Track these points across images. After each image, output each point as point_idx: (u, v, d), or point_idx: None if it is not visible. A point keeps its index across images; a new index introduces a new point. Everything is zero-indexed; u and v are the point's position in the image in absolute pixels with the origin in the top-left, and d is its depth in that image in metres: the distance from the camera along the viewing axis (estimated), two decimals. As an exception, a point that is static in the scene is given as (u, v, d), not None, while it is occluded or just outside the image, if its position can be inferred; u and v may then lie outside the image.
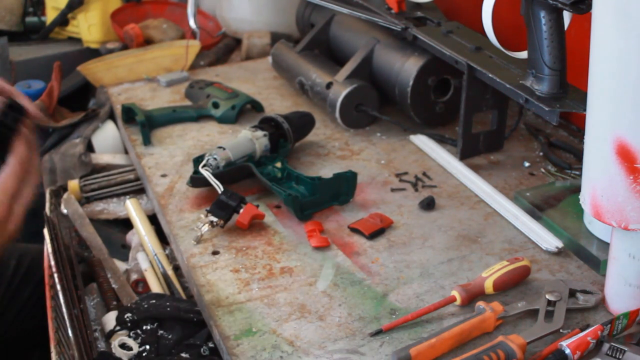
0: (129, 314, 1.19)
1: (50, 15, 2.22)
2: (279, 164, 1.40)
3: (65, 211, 1.49)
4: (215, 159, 1.36)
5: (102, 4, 2.13)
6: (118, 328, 1.19)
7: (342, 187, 1.32)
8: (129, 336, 1.17)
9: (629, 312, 1.01)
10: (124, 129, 1.63)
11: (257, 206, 1.28)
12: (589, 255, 1.17)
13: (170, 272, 1.32)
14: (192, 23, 1.93)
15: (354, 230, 1.26)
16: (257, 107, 1.67)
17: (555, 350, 0.97)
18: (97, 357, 1.13)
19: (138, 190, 1.55)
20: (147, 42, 2.00)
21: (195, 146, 1.54)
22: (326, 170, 1.43)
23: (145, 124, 1.56)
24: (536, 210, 1.28)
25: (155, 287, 1.30)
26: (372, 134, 1.57)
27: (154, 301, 1.22)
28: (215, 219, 1.24)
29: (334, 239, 1.24)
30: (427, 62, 1.49)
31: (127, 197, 1.51)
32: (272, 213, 1.31)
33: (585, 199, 1.02)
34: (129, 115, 1.62)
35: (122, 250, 1.44)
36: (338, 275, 1.16)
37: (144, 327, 1.18)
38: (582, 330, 1.00)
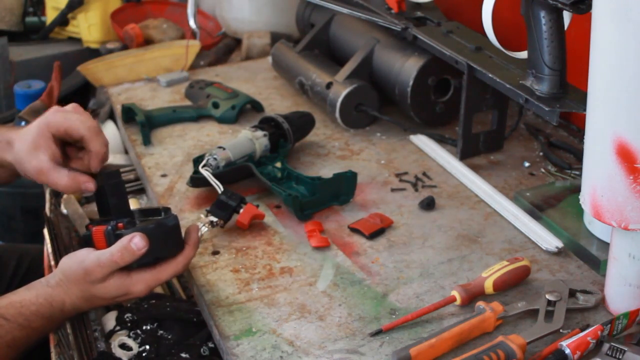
0: (129, 314, 1.19)
1: (50, 15, 2.22)
2: (279, 164, 1.40)
3: (65, 211, 1.49)
4: (215, 159, 1.36)
5: (102, 4, 2.13)
6: (118, 328, 1.19)
7: (342, 187, 1.32)
8: (129, 336, 1.17)
9: (629, 312, 1.01)
10: (124, 129, 1.63)
11: (257, 206, 1.28)
12: (589, 255, 1.17)
13: (170, 272, 1.32)
14: (192, 23, 1.93)
15: (354, 230, 1.26)
16: (257, 107, 1.67)
17: (555, 350, 0.97)
18: (97, 357, 1.13)
19: (138, 190, 1.55)
20: (147, 42, 2.00)
21: (195, 146, 1.54)
22: (326, 170, 1.43)
23: (145, 124, 1.56)
24: (536, 210, 1.28)
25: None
26: (372, 134, 1.57)
27: (154, 301, 1.22)
28: (215, 219, 1.24)
29: (334, 239, 1.24)
30: (427, 62, 1.49)
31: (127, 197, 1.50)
32: (272, 213, 1.31)
33: (585, 199, 1.02)
34: (129, 115, 1.62)
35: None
36: (338, 275, 1.16)
37: (144, 327, 1.18)
38: (582, 330, 1.00)
